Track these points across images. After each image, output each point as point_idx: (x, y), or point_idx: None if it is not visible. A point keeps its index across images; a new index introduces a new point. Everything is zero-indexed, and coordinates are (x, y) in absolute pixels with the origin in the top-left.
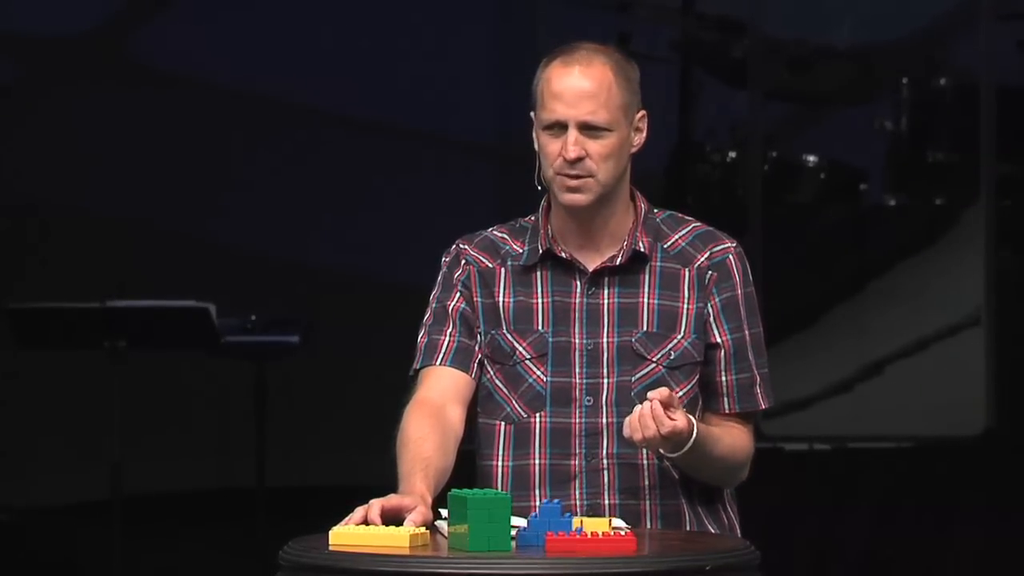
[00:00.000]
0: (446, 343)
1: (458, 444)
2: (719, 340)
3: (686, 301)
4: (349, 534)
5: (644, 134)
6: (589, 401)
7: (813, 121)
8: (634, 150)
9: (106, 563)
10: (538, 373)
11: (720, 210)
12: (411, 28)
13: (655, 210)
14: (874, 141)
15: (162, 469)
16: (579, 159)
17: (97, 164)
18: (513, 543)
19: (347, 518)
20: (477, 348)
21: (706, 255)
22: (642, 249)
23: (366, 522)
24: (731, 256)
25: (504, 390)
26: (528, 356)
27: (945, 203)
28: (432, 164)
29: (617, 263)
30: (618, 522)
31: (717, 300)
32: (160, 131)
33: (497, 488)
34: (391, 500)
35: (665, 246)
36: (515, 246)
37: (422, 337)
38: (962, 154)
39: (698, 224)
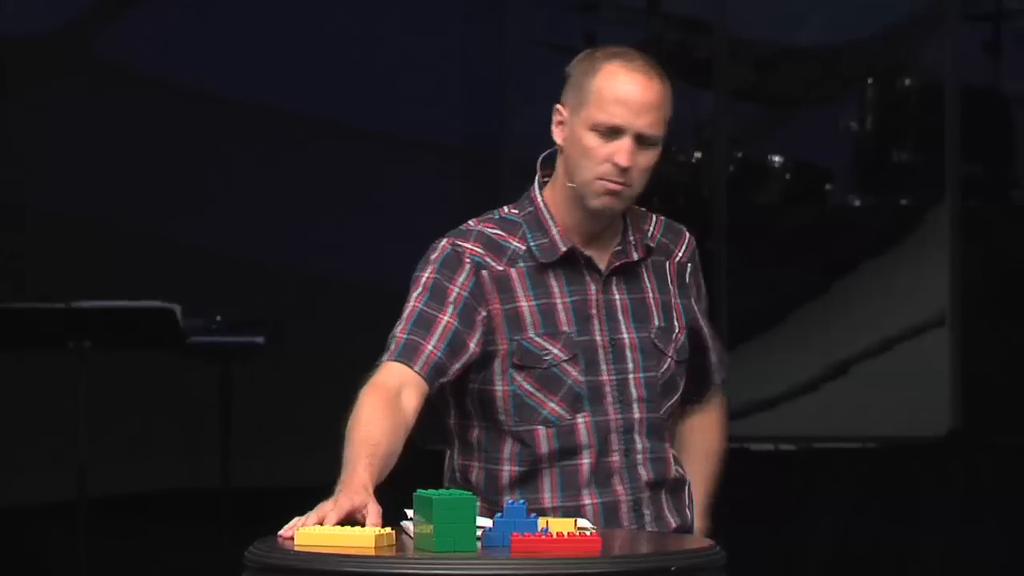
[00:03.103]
0: (428, 352)
1: (408, 433)
2: (704, 323)
3: (674, 296)
4: (315, 535)
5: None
6: (621, 397)
7: (779, 122)
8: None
9: (72, 564)
10: (575, 374)
11: (686, 210)
12: (379, 29)
13: None
14: (839, 142)
15: (128, 470)
16: (627, 168)
17: (63, 164)
18: (478, 543)
19: (304, 519)
20: (452, 371)
21: (682, 249)
22: (652, 244)
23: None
24: (694, 246)
25: (538, 395)
26: (564, 357)
27: (910, 203)
28: (400, 165)
29: (634, 258)
30: (584, 522)
31: (697, 289)
32: (128, 132)
33: (543, 494)
34: (342, 508)
35: (646, 240)
36: (517, 243)
37: (401, 331)
38: (927, 155)
39: (657, 215)
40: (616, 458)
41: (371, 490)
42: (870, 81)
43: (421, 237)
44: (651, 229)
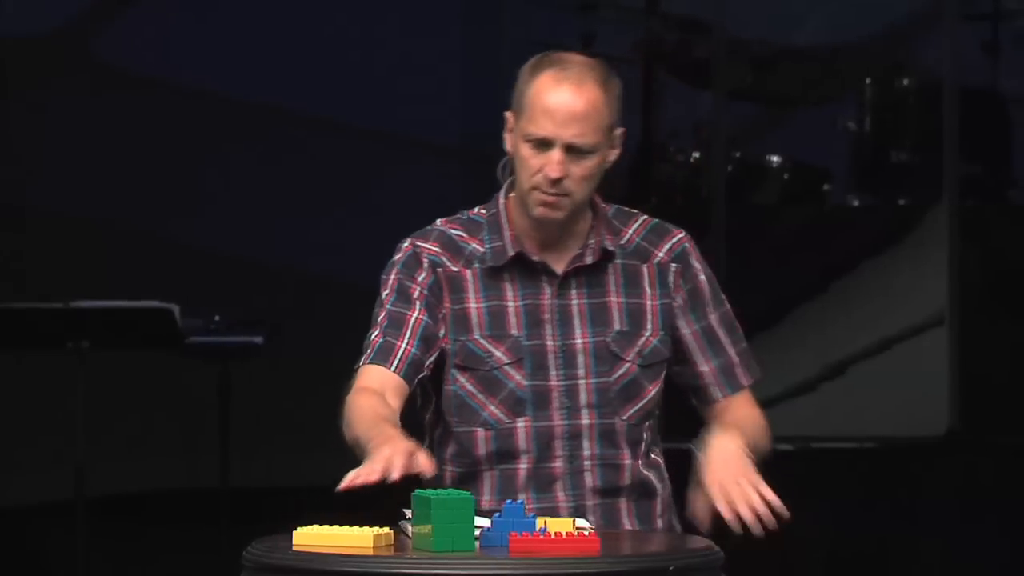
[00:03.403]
0: (402, 350)
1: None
2: (688, 331)
3: (650, 297)
4: (313, 534)
5: (618, 151)
6: (568, 403)
7: (777, 121)
8: (607, 166)
9: (70, 564)
10: (518, 378)
11: (684, 210)
12: (378, 29)
13: (602, 204)
14: (838, 141)
15: (126, 470)
16: (559, 179)
17: (62, 164)
18: (477, 543)
19: (367, 469)
20: (428, 364)
21: (665, 249)
22: (610, 247)
23: (384, 482)
24: (687, 246)
25: (480, 396)
26: (507, 361)
27: (908, 203)
28: (399, 165)
29: (588, 262)
30: (582, 522)
31: (684, 291)
32: (128, 132)
33: (482, 495)
34: (402, 449)
35: (621, 242)
36: (475, 245)
37: (376, 336)
38: (925, 154)
39: (646, 217)
40: (559, 464)
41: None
42: (868, 81)
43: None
44: (630, 232)
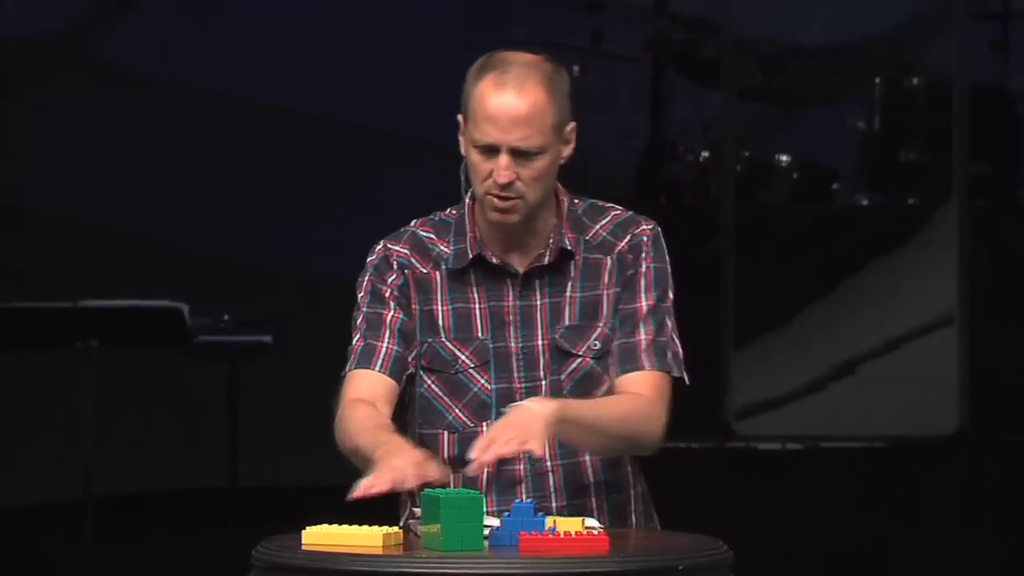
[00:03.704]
0: (384, 350)
1: None
2: (632, 305)
3: (606, 287)
4: (322, 534)
5: (572, 145)
6: None
7: (785, 121)
8: (562, 162)
9: (78, 563)
10: (482, 381)
11: (693, 210)
12: (382, 28)
13: (575, 200)
14: (846, 141)
15: (134, 469)
16: (510, 183)
17: (70, 164)
18: (486, 543)
19: (374, 479)
20: (410, 360)
21: (626, 240)
22: (568, 246)
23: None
24: (645, 237)
25: (445, 399)
26: (472, 364)
27: (917, 203)
28: (404, 164)
29: (545, 262)
30: (591, 522)
31: (629, 273)
32: (134, 131)
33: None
34: (416, 460)
35: (587, 238)
36: (443, 247)
37: (357, 341)
38: (934, 154)
39: (619, 211)
40: (520, 467)
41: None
42: (877, 80)
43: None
44: (597, 227)
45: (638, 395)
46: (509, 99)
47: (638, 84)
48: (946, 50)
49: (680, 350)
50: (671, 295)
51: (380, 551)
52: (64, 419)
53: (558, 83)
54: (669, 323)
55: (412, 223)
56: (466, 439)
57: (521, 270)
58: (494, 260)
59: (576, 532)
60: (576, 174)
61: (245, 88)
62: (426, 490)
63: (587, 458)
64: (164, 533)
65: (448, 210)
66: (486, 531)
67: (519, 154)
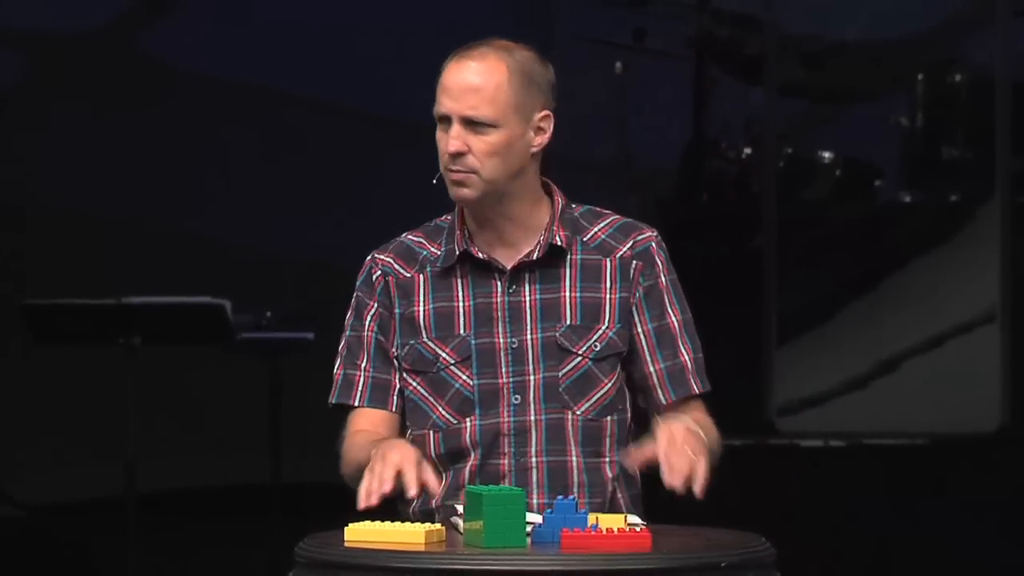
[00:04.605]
0: (361, 380)
1: None
2: (641, 330)
3: (608, 291)
4: (365, 530)
5: (548, 135)
6: (516, 400)
7: (828, 118)
8: (534, 150)
9: (120, 560)
10: (464, 377)
11: (735, 207)
12: (426, 26)
13: (573, 205)
14: (889, 138)
15: (176, 465)
16: (460, 154)
17: (115, 161)
18: (528, 539)
19: (374, 478)
20: (395, 377)
21: (628, 244)
22: (559, 243)
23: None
24: (653, 244)
25: (430, 399)
26: (452, 361)
27: (960, 200)
28: None
29: (534, 258)
30: (633, 519)
31: (640, 288)
32: (178, 128)
33: (438, 496)
34: (409, 457)
35: (584, 239)
36: (432, 249)
37: (338, 368)
38: (977, 150)
39: (617, 217)
40: (505, 462)
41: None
42: (920, 77)
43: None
44: (595, 229)
45: (706, 419)
46: (464, 70)
47: (681, 81)
48: (989, 46)
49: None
50: (686, 302)
51: (422, 548)
52: (107, 416)
53: (528, 66)
54: (696, 337)
55: (405, 234)
56: (451, 437)
57: (509, 266)
58: (480, 255)
59: (619, 529)
60: (620, 172)
61: (291, 85)
62: (468, 486)
63: (573, 458)
64: (206, 529)
65: (445, 216)
66: (528, 528)
67: (470, 124)
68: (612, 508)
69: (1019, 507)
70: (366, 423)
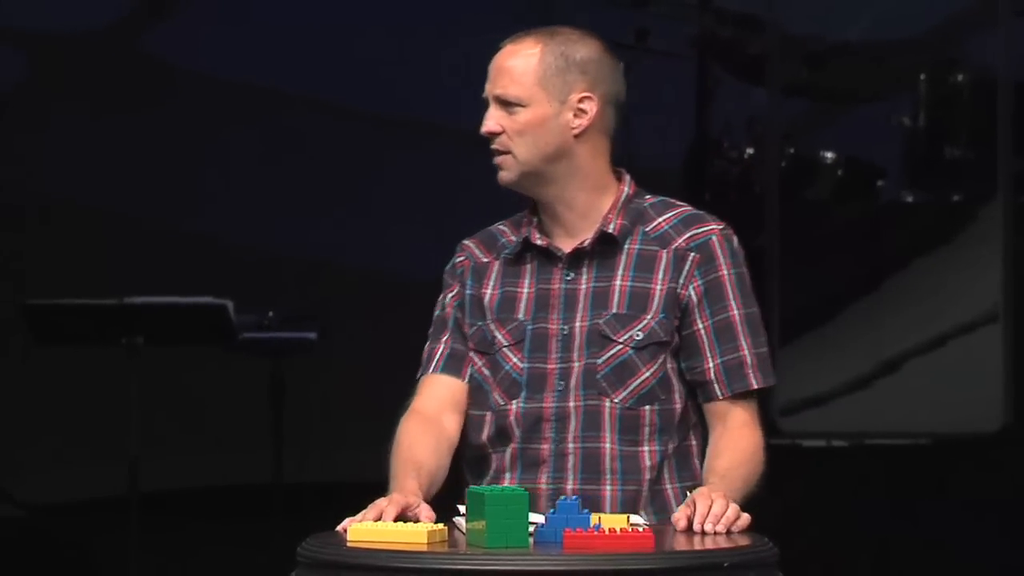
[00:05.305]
0: (440, 350)
1: (452, 451)
2: (701, 325)
3: (660, 282)
4: (367, 530)
5: (589, 117)
6: (560, 386)
7: (831, 118)
8: (575, 131)
9: (123, 559)
10: (515, 360)
11: (737, 206)
12: (426, 23)
13: (647, 196)
14: (892, 138)
15: (179, 465)
16: (493, 134)
17: (116, 161)
18: (531, 539)
19: (361, 515)
20: (469, 350)
21: (686, 236)
22: (611, 231)
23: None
24: (715, 237)
25: (490, 379)
26: (506, 343)
27: (962, 200)
28: (454, 162)
29: (586, 246)
30: (636, 519)
31: (700, 283)
32: (179, 128)
33: (479, 480)
34: (397, 504)
35: (646, 229)
36: (512, 237)
37: (426, 347)
38: (980, 150)
39: (687, 208)
40: (546, 447)
41: (421, 497)
42: (922, 77)
43: (470, 232)
44: (660, 219)
45: (744, 433)
46: (501, 53)
47: (683, 81)
48: (992, 47)
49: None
50: (753, 296)
51: (425, 548)
52: (108, 416)
53: (567, 49)
54: (762, 329)
55: (500, 222)
56: (500, 417)
57: (567, 251)
58: (540, 243)
59: (621, 529)
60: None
61: (294, 85)
62: (471, 487)
63: (607, 444)
64: (208, 529)
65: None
66: (531, 528)
67: (503, 104)
68: (653, 498)
69: (1021, 507)
70: (429, 399)
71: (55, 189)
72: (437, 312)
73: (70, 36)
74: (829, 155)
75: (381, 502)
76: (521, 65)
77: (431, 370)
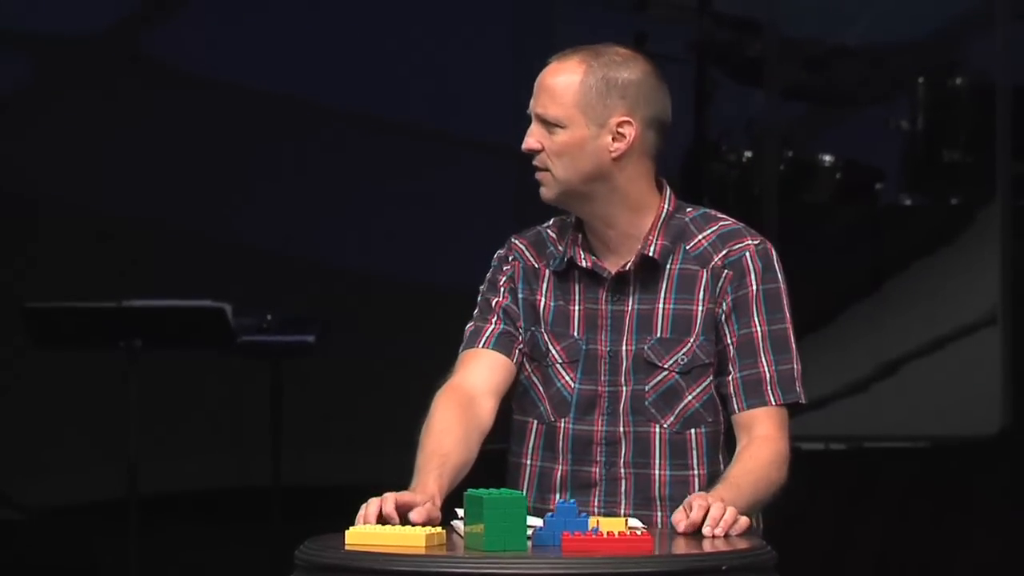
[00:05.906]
0: (490, 329)
1: (483, 437)
2: (728, 340)
3: (701, 303)
4: (365, 534)
5: (627, 141)
6: (609, 409)
7: (829, 121)
8: (614, 154)
9: (122, 562)
10: (567, 379)
11: (736, 210)
12: (429, 28)
13: (688, 208)
14: (890, 141)
15: (178, 468)
16: (533, 151)
17: (114, 163)
18: (529, 543)
19: (362, 510)
20: (520, 339)
21: (723, 253)
22: (652, 254)
23: (381, 517)
24: (748, 254)
25: (541, 389)
26: (560, 360)
27: (961, 203)
28: (450, 164)
29: (627, 268)
30: (634, 522)
31: (731, 299)
32: (176, 130)
33: (523, 487)
34: (404, 495)
35: (688, 247)
36: (559, 247)
37: (469, 326)
38: (978, 153)
39: (728, 222)
40: (596, 470)
41: (438, 501)
42: (921, 80)
43: (470, 237)
44: (700, 236)
45: (764, 443)
46: (546, 71)
47: (682, 84)
48: (990, 50)
49: (800, 368)
50: (788, 314)
51: (423, 551)
52: (108, 418)
53: (610, 72)
54: (790, 345)
55: (547, 223)
56: (549, 433)
57: (612, 271)
58: (584, 264)
59: (619, 532)
60: None
61: (292, 86)
62: (469, 490)
63: (657, 471)
64: (208, 532)
65: None
66: (529, 531)
67: (544, 123)
68: None
69: (1019, 509)
70: (471, 367)
71: (54, 191)
72: (482, 298)
73: (70, 37)
74: (828, 158)
75: (387, 497)
76: (562, 85)
77: (479, 344)
